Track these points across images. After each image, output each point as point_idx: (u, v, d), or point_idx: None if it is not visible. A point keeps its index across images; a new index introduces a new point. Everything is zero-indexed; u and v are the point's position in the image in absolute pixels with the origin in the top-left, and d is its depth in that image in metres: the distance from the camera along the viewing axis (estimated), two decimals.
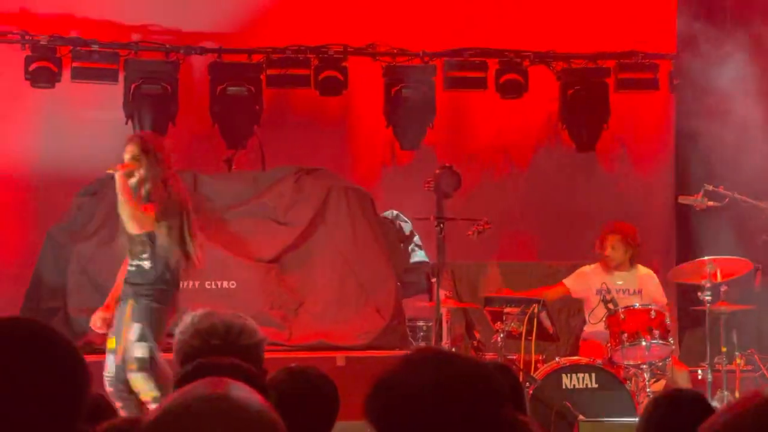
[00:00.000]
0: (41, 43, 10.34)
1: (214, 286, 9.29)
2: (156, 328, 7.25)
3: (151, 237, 7.36)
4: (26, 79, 10.29)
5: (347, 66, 10.89)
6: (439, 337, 8.60)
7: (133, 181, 7.33)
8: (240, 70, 10.78)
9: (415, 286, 9.86)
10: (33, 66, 10.28)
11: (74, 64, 10.43)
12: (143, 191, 7.33)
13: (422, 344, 9.24)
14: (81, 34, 10.54)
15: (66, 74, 10.40)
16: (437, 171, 9.29)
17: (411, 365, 2.39)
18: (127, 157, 7.35)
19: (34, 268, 9.45)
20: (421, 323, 9.65)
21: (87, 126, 10.77)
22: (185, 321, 3.44)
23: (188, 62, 10.91)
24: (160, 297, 7.36)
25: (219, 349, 3.34)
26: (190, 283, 9.25)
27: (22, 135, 10.72)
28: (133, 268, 7.41)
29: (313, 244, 9.66)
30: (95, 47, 10.50)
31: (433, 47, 11.00)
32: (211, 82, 10.79)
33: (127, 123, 10.48)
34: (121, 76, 10.54)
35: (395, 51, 11.03)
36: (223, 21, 10.97)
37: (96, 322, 7.51)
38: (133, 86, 10.53)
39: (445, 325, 8.72)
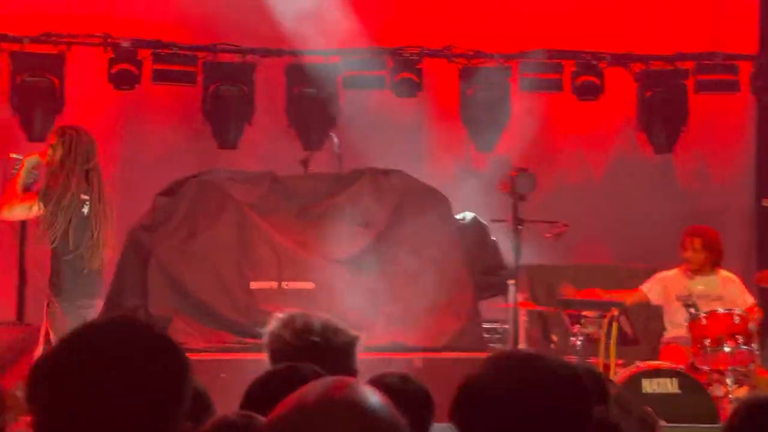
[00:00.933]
0: (123, 45, 10.48)
1: (291, 287, 9.34)
2: None
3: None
4: (109, 81, 10.45)
5: (423, 68, 10.90)
6: (516, 340, 8.57)
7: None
8: (316, 72, 10.84)
9: (492, 288, 9.83)
10: (115, 68, 10.43)
11: (155, 67, 10.57)
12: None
13: (498, 347, 9.22)
14: (161, 37, 10.66)
15: (146, 77, 10.54)
16: (512, 173, 9.26)
17: (497, 367, 2.39)
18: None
19: (116, 266, 9.58)
20: (497, 326, 9.63)
21: (166, 127, 10.90)
22: (278, 320, 3.47)
23: (265, 64, 10.98)
24: None
25: (317, 347, 3.37)
26: (268, 283, 9.34)
27: (104, 136, 10.87)
28: None
29: (390, 246, 9.68)
30: (175, 50, 10.63)
31: (508, 49, 10.98)
32: (288, 84, 10.87)
33: (205, 124, 10.61)
34: (199, 79, 10.66)
35: (471, 53, 11.02)
36: (300, 24, 11.03)
37: None
38: (211, 88, 10.64)
39: (521, 328, 8.69)
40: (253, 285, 9.33)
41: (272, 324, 3.49)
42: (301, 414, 1.79)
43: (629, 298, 8.91)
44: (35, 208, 7.30)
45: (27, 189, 7.39)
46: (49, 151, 7.35)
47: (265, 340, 3.49)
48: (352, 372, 3.40)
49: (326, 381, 1.86)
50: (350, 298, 9.42)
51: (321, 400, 1.79)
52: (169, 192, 9.78)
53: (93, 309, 7.28)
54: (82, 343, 2.05)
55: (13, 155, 7.52)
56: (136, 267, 9.51)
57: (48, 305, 7.27)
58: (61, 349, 2.06)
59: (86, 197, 7.33)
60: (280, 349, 3.36)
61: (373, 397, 1.81)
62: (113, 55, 10.49)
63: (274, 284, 9.28)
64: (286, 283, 9.35)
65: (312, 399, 1.80)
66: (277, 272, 9.38)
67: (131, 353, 2.04)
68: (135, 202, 10.11)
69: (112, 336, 2.06)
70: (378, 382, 3.63)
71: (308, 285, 9.37)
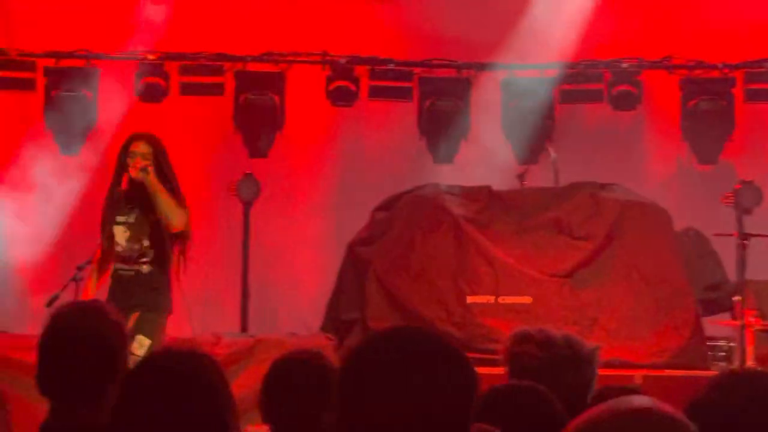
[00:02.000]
0: (340, 62, 10.66)
1: (508, 301, 9.29)
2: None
3: (180, 236, 7.04)
4: (327, 98, 10.63)
5: (642, 80, 10.70)
6: (743, 359, 8.27)
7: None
8: (532, 86, 10.77)
9: (716, 304, 9.53)
10: (332, 86, 10.61)
11: (371, 83, 10.71)
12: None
13: (723, 365, 8.92)
14: (377, 53, 10.78)
15: (363, 93, 10.68)
16: (737, 186, 8.97)
17: (724, 388, 2.29)
18: (139, 155, 7.00)
19: (336, 279, 9.74)
20: (721, 343, 9.32)
21: (382, 143, 11.02)
22: (512, 339, 3.45)
23: (480, 78, 10.97)
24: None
25: (565, 358, 3.33)
26: (485, 297, 9.32)
27: (322, 152, 11.09)
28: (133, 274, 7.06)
29: (608, 260, 9.51)
30: (391, 66, 10.74)
31: (732, 59, 10.65)
32: (503, 99, 10.83)
33: (421, 139, 10.67)
34: (414, 94, 10.73)
35: (692, 63, 10.74)
36: (517, 37, 10.98)
37: None
38: (426, 103, 10.71)
39: (749, 346, 8.38)
40: (470, 299, 9.32)
41: (507, 343, 3.47)
42: (609, 422, 1.83)
43: None
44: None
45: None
46: (148, 161, 6.97)
47: (502, 358, 3.46)
48: (591, 383, 3.34)
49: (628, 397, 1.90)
50: (568, 312, 9.30)
51: (627, 410, 1.83)
52: (386, 207, 9.88)
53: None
54: (386, 350, 2.17)
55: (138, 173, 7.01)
56: (354, 281, 9.65)
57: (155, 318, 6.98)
58: (362, 356, 2.18)
59: None
60: (522, 362, 3.33)
61: (674, 412, 1.87)
62: (330, 73, 10.68)
63: (491, 298, 9.25)
64: (504, 297, 9.30)
65: (620, 409, 1.84)
66: (494, 286, 9.34)
67: (431, 363, 2.14)
68: (353, 217, 10.25)
69: (413, 346, 2.17)
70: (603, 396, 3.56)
71: (526, 299, 9.30)
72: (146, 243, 7.01)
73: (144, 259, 7.01)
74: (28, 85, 10.39)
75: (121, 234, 7.05)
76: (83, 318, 3.51)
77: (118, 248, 7.05)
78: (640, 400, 1.84)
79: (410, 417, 2.08)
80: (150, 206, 6.97)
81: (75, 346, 3.43)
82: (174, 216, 6.94)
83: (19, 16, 10.70)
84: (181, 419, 2.55)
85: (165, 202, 6.93)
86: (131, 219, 7.05)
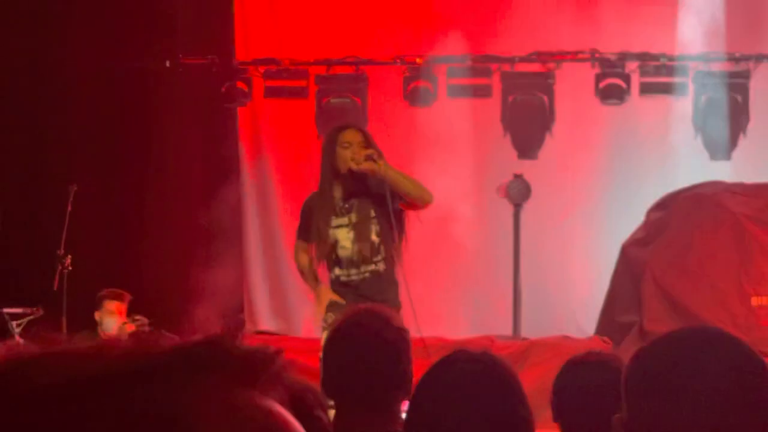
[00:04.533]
0: (610, 59, 10.42)
1: None
2: None
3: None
4: (596, 95, 10.42)
5: None
6: None
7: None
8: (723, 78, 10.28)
9: None
10: (603, 83, 10.38)
11: (642, 80, 10.42)
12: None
13: None
14: (649, 49, 10.48)
15: (635, 90, 10.42)
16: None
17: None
18: (355, 144, 6.35)
19: (610, 281, 9.53)
20: None
21: (654, 139, 10.71)
22: None
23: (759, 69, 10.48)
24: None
25: None
26: None
27: (595, 149, 10.87)
28: (368, 275, 6.43)
29: None
30: (664, 61, 10.41)
31: None
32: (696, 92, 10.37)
33: (695, 133, 10.30)
34: (690, 89, 10.37)
35: None
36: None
37: None
38: (703, 98, 10.34)
39: None
40: (755, 301, 8.92)
41: None
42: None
43: None
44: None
45: None
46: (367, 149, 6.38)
47: None
48: None
49: None
50: None
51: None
52: (663, 206, 9.59)
53: None
54: (678, 353, 2.07)
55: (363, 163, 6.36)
56: (629, 283, 9.41)
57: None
58: (657, 356, 2.10)
59: None
60: None
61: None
62: (600, 70, 10.46)
63: None
64: None
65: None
66: None
67: (734, 369, 2.04)
68: (626, 216, 10.01)
69: (715, 349, 2.08)
70: None
71: None
72: (376, 240, 6.40)
73: (377, 257, 6.39)
74: (300, 92, 10.63)
75: (345, 236, 6.42)
76: (369, 323, 3.51)
77: (344, 252, 6.42)
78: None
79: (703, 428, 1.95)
80: (370, 199, 6.37)
81: (359, 349, 3.43)
82: (425, 192, 6.34)
83: (288, 25, 10.99)
84: (481, 419, 2.53)
85: (411, 181, 6.35)
86: (353, 218, 6.41)
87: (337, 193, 6.42)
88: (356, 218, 6.39)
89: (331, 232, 6.40)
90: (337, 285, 6.44)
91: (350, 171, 6.30)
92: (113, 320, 8.04)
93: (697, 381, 1.98)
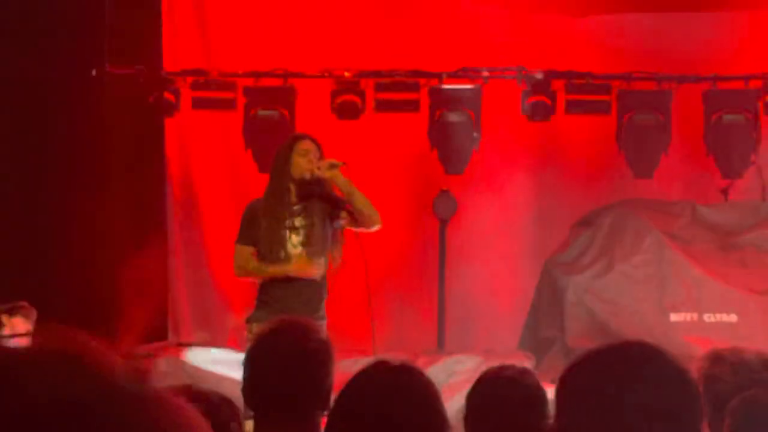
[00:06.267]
0: (537, 77, 10.51)
1: (713, 319, 8.98)
2: None
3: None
4: (522, 113, 10.50)
5: None
6: None
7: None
8: (736, 98, 10.41)
9: None
10: (529, 100, 10.47)
11: (567, 97, 10.52)
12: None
13: None
14: (575, 67, 10.61)
15: (560, 108, 10.52)
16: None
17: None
18: (312, 153, 6.63)
19: (534, 296, 9.61)
20: None
21: (581, 157, 10.83)
22: (704, 359, 3.31)
23: (681, 91, 10.66)
24: None
25: (759, 383, 3.19)
26: (689, 315, 9.03)
27: (523, 165, 10.95)
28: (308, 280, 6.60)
29: None
30: (588, 80, 10.54)
31: None
32: (706, 111, 10.50)
33: (619, 154, 10.43)
34: (613, 107, 10.50)
35: None
36: (719, 45, 10.66)
37: None
38: (625, 117, 10.46)
39: None
40: (673, 317, 9.05)
41: (699, 363, 3.31)
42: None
43: None
44: None
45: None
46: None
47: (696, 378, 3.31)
48: None
49: None
50: None
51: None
52: (586, 222, 9.71)
53: None
54: (611, 363, 2.12)
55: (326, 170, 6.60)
56: (552, 298, 9.50)
57: None
58: (583, 372, 2.13)
59: None
60: (714, 388, 3.17)
61: None
62: (526, 87, 10.55)
63: (695, 316, 8.96)
64: (708, 315, 9.00)
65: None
66: (697, 304, 9.06)
67: (656, 380, 2.10)
68: (551, 232, 10.10)
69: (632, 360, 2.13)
70: None
71: (731, 318, 8.97)
72: (319, 248, 6.58)
73: (318, 265, 6.59)
74: (228, 104, 10.60)
75: (292, 238, 6.60)
76: (291, 334, 3.52)
77: (289, 253, 6.58)
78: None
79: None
80: (320, 207, 6.57)
81: (280, 360, 3.43)
82: (375, 213, 6.54)
83: (217, 36, 10.95)
84: (398, 430, 2.54)
85: (366, 200, 6.52)
86: (304, 222, 6.60)
87: (289, 198, 6.61)
88: (303, 222, 6.60)
89: (282, 232, 6.59)
90: (280, 284, 6.55)
91: (303, 178, 6.54)
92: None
93: (628, 394, 2.01)
